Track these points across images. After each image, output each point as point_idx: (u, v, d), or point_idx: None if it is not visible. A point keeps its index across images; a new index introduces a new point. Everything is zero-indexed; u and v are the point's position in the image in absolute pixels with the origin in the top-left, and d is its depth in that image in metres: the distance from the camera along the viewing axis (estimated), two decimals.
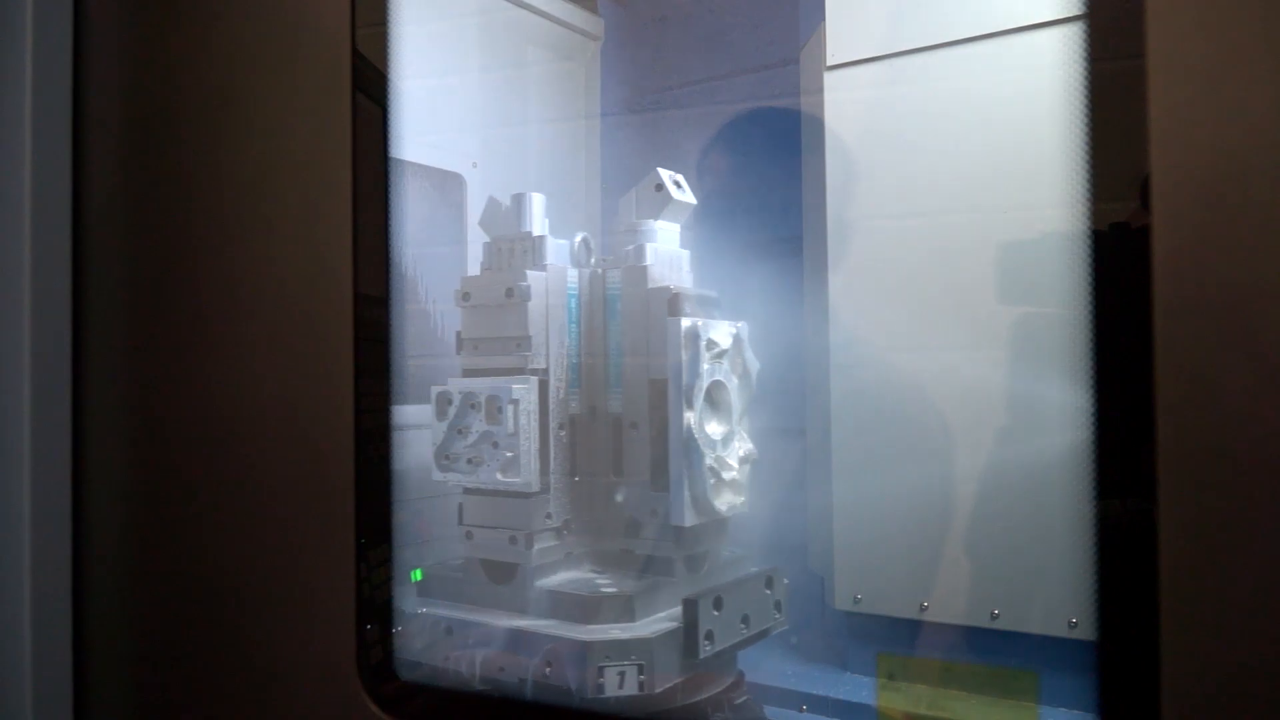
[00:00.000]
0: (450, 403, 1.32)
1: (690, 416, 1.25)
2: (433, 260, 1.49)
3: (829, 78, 1.37)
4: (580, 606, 1.24)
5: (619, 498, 1.34)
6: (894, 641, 1.28)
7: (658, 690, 1.16)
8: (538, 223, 1.38)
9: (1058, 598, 1.12)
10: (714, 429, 1.29)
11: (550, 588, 1.28)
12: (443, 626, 1.28)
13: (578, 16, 1.71)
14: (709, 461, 1.26)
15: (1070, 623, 1.07)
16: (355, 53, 1.10)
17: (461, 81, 1.57)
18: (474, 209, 1.59)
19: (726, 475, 1.28)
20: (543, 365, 1.33)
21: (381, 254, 1.11)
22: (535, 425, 1.30)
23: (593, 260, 1.41)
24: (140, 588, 1.23)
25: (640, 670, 1.16)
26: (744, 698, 1.24)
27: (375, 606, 1.10)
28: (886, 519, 1.29)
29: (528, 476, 1.29)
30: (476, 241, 1.57)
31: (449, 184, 1.58)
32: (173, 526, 1.22)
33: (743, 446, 1.32)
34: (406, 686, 1.13)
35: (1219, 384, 0.72)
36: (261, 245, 1.16)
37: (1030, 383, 1.17)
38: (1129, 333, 0.76)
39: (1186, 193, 0.73)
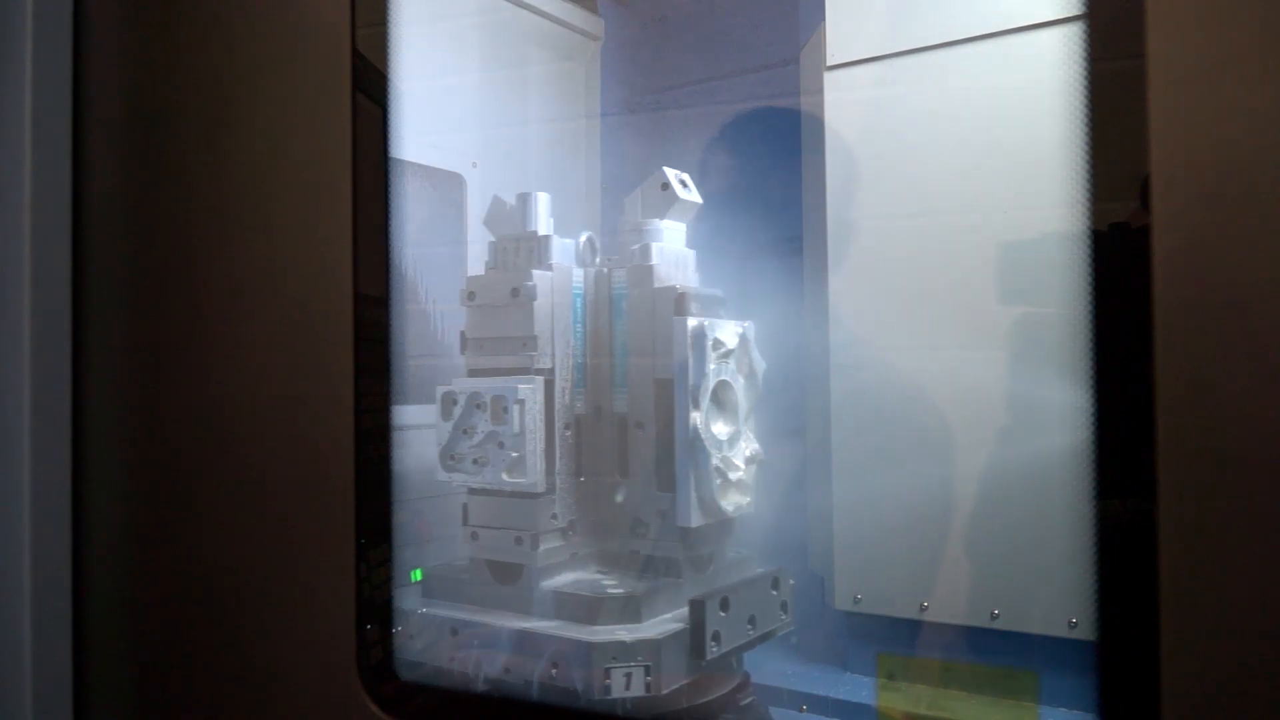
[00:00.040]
0: (455, 403, 1.32)
1: (696, 416, 1.24)
2: (433, 260, 1.49)
3: (829, 78, 1.37)
4: (586, 607, 1.23)
5: (619, 498, 1.34)
6: (894, 641, 1.28)
7: (664, 692, 1.15)
8: (543, 222, 1.37)
9: (1058, 598, 1.12)
10: (720, 429, 1.28)
11: (556, 589, 1.27)
12: (448, 627, 1.27)
13: (578, 16, 1.71)
14: (715, 462, 1.25)
15: (1070, 623, 1.07)
16: (355, 53, 1.10)
17: (461, 81, 1.57)
18: (474, 209, 1.59)
19: (733, 475, 1.28)
20: (548, 365, 1.32)
21: (381, 254, 1.11)
22: (541, 425, 1.30)
23: (598, 260, 1.40)
24: (140, 588, 1.23)
25: (647, 672, 1.15)
26: (750, 699, 1.24)
27: (375, 606, 1.10)
28: (886, 519, 1.29)
29: (533, 477, 1.28)
30: (476, 241, 1.57)
31: (449, 184, 1.58)
32: (173, 526, 1.22)
33: (749, 447, 1.32)
34: (406, 686, 1.13)
35: (1219, 384, 0.72)
36: (261, 245, 1.16)
37: (1030, 383, 1.17)
38: (1129, 333, 0.76)
39: (1186, 193, 0.73)
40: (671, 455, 1.27)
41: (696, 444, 1.24)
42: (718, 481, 1.26)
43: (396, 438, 1.13)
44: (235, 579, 1.17)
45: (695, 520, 1.25)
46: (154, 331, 1.23)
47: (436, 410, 1.33)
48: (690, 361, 1.25)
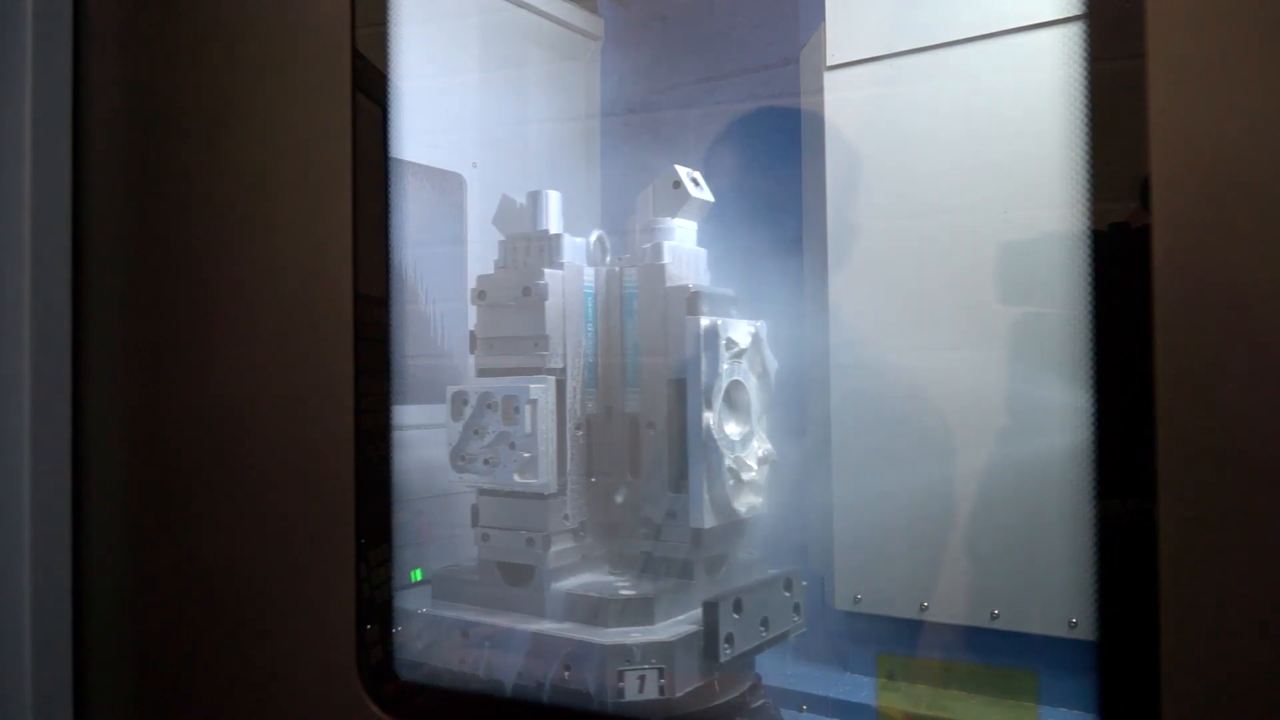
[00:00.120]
0: (466, 403, 1.30)
1: (709, 417, 1.23)
2: (433, 260, 1.49)
3: (829, 78, 1.37)
4: (599, 609, 1.22)
5: (620, 499, 1.33)
6: (894, 641, 1.28)
7: (678, 694, 1.15)
8: (554, 220, 1.36)
9: (1058, 598, 1.12)
10: (733, 429, 1.27)
11: (568, 590, 1.26)
12: (459, 629, 1.26)
13: (578, 16, 1.71)
14: (728, 462, 1.24)
15: (1070, 623, 1.07)
16: (355, 53, 1.10)
17: (462, 81, 1.57)
18: (474, 209, 1.59)
19: (746, 476, 1.27)
20: (560, 365, 1.31)
21: (381, 254, 1.11)
22: (552, 426, 1.29)
23: (608, 259, 1.39)
24: (140, 588, 1.23)
25: (660, 674, 1.14)
26: (761, 700, 1.23)
27: (375, 606, 1.10)
28: (886, 519, 1.29)
29: (545, 478, 1.27)
30: (477, 241, 1.57)
31: (449, 184, 1.57)
32: (173, 526, 1.22)
33: (761, 447, 1.31)
34: (406, 686, 1.12)
35: (1219, 384, 0.72)
36: (261, 245, 1.16)
37: (1030, 382, 1.17)
38: (1129, 333, 0.76)
39: (1186, 193, 0.73)
40: (683, 456, 1.26)
41: (709, 444, 1.23)
42: (730, 482, 1.24)
43: (399, 437, 1.13)
44: (235, 579, 1.17)
45: (708, 521, 1.23)
46: (154, 331, 1.23)
47: (446, 410, 1.32)
48: (703, 361, 1.24)
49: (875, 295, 1.33)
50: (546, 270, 1.32)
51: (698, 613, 1.20)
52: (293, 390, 1.13)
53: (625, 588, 1.27)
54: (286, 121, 1.14)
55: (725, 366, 1.25)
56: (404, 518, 1.16)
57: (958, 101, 1.27)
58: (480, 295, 1.36)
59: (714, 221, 1.39)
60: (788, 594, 1.29)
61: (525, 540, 1.28)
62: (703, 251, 1.38)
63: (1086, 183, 0.79)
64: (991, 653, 1.20)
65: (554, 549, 1.28)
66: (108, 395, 1.24)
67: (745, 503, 1.27)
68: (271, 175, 1.15)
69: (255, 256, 1.16)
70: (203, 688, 1.19)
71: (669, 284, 1.30)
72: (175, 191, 1.22)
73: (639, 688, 1.14)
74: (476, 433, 1.30)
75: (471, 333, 1.37)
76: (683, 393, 1.26)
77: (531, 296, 1.31)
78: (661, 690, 1.14)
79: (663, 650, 1.15)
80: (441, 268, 1.52)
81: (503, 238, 1.39)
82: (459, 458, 1.31)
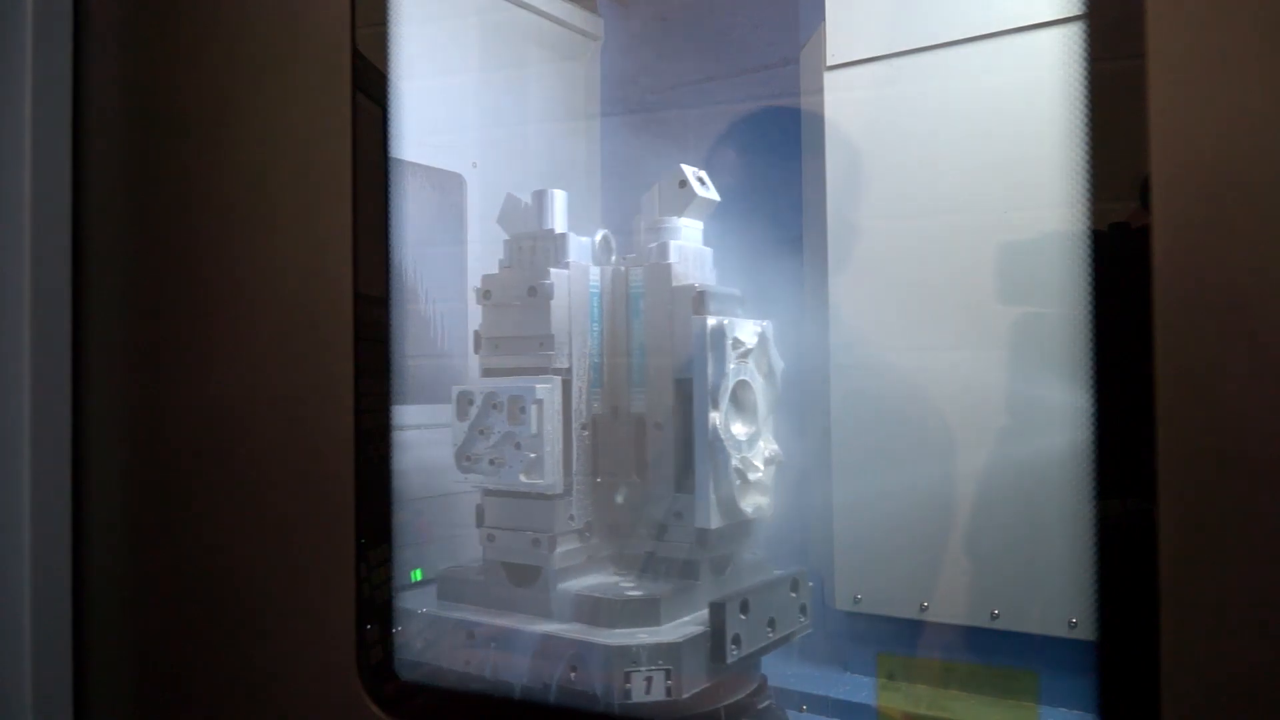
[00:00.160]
0: (472, 403, 1.30)
1: (716, 417, 1.22)
2: (433, 260, 1.49)
3: (829, 78, 1.37)
4: (606, 610, 1.21)
5: (626, 499, 1.32)
6: (894, 641, 1.28)
7: (685, 696, 1.14)
8: (560, 220, 1.35)
9: (1058, 598, 1.12)
10: (739, 429, 1.27)
11: (575, 591, 1.26)
12: (464, 630, 1.25)
13: (578, 16, 1.71)
14: (735, 463, 1.23)
15: (1070, 623, 1.07)
16: (355, 53, 1.10)
17: (462, 81, 1.57)
18: (474, 209, 1.59)
19: (752, 476, 1.26)
20: (565, 365, 1.30)
21: (381, 254, 1.11)
22: (559, 426, 1.28)
23: (613, 258, 1.38)
24: (140, 588, 1.23)
25: (667, 675, 1.13)
26: (767, 702, 1.22)
27: (375, 606, 1.10)
28: (886, 519, 1.29)
29: (551, 478, 1.26)
30: (477, 241, 1.57)
31: (449, 184, 1.57)
32: (173, 526, 1.22)
33: (768, 447, 1.30)
34: (406, 686, 1.12)
35: (1219, 384, 0.72)
36: (261, 245, 1.16)
37: (1030, 382, 1.17)
38: (1129, 333, 0.76)
39: (1186, 193, 0.73)
40: (689, 456, 1.25)
41: (716, 445, 1.22)
42: (737, 483, 1.24)
43: (399, 437, 1.12)
44: (235, 579, 1.17)
45: (715, 522, 1.23)
46: (154, 331, 1.23)
47: (451, 410, 1.31)
48: (709, 361, 1.23)
49: (875, 295, 1.33)
50: (552, 270, 1.31)
51: (704, 613, 1.19)
52: (293, 390, 1.13)
53: (631, 588, 1.26)
54: (286, 121, 1.14)
55: (732, 366, 1.25)
56: (404, 518, 1.17)
57: (958, 101, 1.27)
58: (485, 295, 1.35)
59: (714, 221, 1.39)
60: (794, 595, 1.28)
61: (531, 541, 1.28)
62: (708, 251, 1.37)
63: (1086, 183, 0.79)
64: (991, 653, 1.20)
65: (560, 549, 1.27)
66: (108, 395, 1.24)
67: (752, 503, 1.26)
68: (271, 175, 1.15)
69: (255, 256, 1.16)
70: (203, 688, 1.19)
71: (675, 283, 1.30)
72: (175, 191, 1.22)
73: (646, 689, 1.13)
74: (482, 433, 1.29)
75: (475, 332, 1.36)
76: (689, 393, 1.25)
77: (537, 296, 1.30)
78: (669, 691, 1.13)
79: (670, 651, 1.14)
80: (441, 268, 1.52)
81: (507, 237, 1.38)
82: (464, 458, 1.30)
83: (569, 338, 1.31)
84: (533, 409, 1.26)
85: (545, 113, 1.73)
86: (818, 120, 1.38)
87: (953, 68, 1.26)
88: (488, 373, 1.34)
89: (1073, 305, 0.80)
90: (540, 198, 1.35)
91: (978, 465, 1.23)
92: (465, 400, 1.31)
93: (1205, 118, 0.73)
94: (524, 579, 1.29)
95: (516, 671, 1.21)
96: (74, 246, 1.24)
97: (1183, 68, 0.73)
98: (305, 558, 1.12)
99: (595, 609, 1.22)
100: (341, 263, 1.10)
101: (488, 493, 1.32)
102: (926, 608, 1.25)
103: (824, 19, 1.37)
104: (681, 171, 1.34)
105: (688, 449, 1.26)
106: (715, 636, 1.16)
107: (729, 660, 1.16)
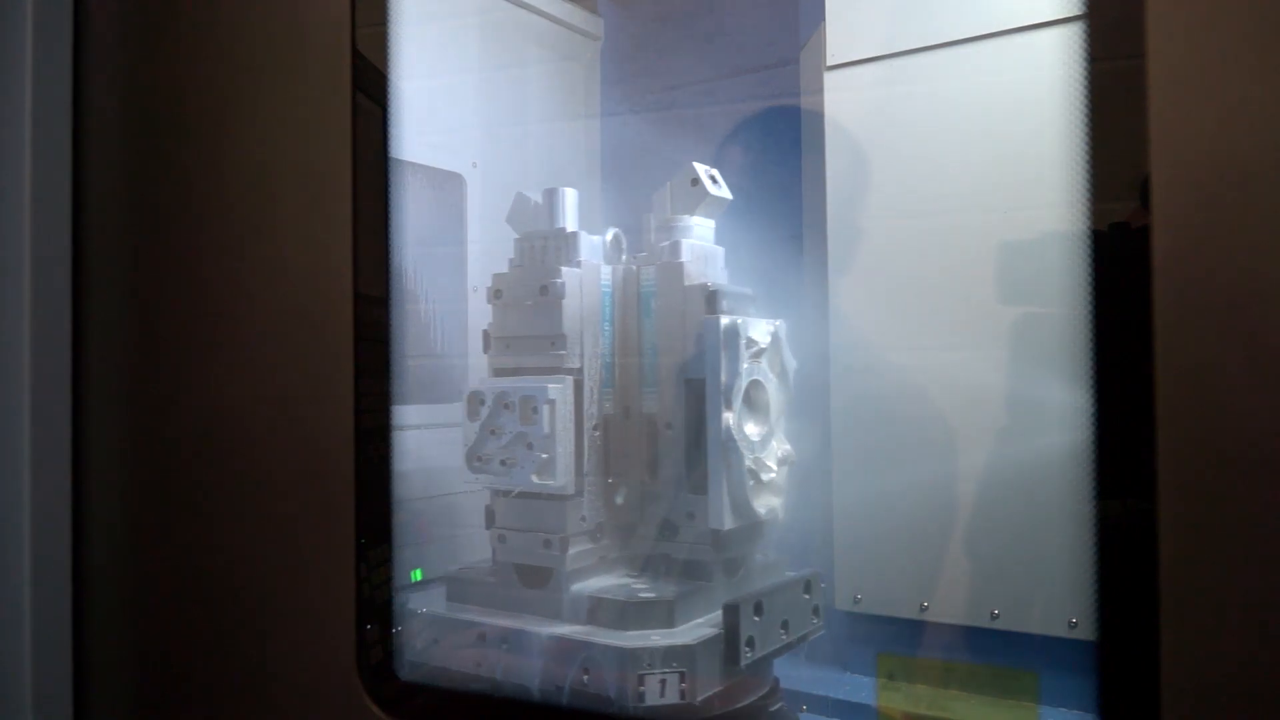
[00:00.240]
0: (483, 403, 1.28)
1: (729, 417, 1.21)
2: (434, 260, 1.49)
3: (829, 78, 1.37)
4: (620, 612, 1.20)
5: (636, 500, 1.32)
6: (894, 641, 1.28)
7: (699, 699, 1.13)
8: (571, 218, 1.34)
9: (1058, 598, 1.12)
10: (752, 430, 1.25)
11: (587, 593, 1.24)
12: (476, 632, 1.24)
13: (578, 16, 1.71)
14: (748, 463, 1.22)
15: (1070, 623, 1.07)
16: (355, 53, 1.10)
17: (462, 81, 1.57)
18: (474, 209, 1.59)
19: (765, 477, 1.25)
20: (577, 365, 1.29)
21: (381, 254, 1.11)
22: (570, 426, 1.27)
23: (624, 257, 1.37)
24: (140, 588, 1.23)
25: (681, 678, 1.12)
26: (779, 704, 1.21)
27: (375, 606, 1.10)
28: (886, 519, 1.29)
29: (563, 479, 1.25)
30: (477, 241, 1.57)
31: (449, 184, 1.57)
32: (173, 526, 1.22)
33: (780, 448, 1.29)
34: (406, 686, 1.12)
35: (1219, 384, 0.72)
36: (262, 245, 1.16)
37: (1030, 382, 1.17)
38: (1129, 333, 0.76)
39: (1186, 193, 0.73)
40: (702, 457, 1.24)
41: (729, 445, 1.21)
42: (750, 483, 1.23)
43: (400, 437, 1.12)
44: (235, 579, 1.17)
45: (727, 523, 1.22)
46: (154, 332, 1.23)
47: (462, 410, 1.30)
48: (722, 360, 1.22)
49: (876, 295, 1.33)
50: (564, 268, 1.29)
51: (717, 615, 1.18)
52: (293, 390, 1.13)
53: (644, 590, 1.25)
54: (286, 121, 1.14)
55: (745, 366, 1.23)
56: (404, 518, 1.16)
57: (958, 101, 1.27)
58: (496, 294, 1.33)
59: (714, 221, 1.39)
60: (807, 596, 1.27)
61: (543, 542, 1.26)
62: (720, 249, 1.36)
63: (1086, 182, 0.79)
64: (991, 653, 1.20)
65: (572, 551, 1.26)
66: (108, 395, 1.24)
67: (764, 504, 1.25)
68: (271, 175, 1.15)
69: (255, 256, 1.16)
70: (203, 688, 1.19)
71: (687, 282, 1.29)
72: (175, 191, 1.22)
73: (660, 692, 1.12)
74: (493, 433, 1.28)
75: (485, 332, 1.35)
76: (701, 393, 1.24)
77: (549, 295, 1.28)
78: (682, 694, 1.12)
79: (685, 653, 1.13)
80: (442, 267, 1.52)
81: (517, 236, 1.37)
82: (475, 458, 1.29)
83: (580, 337, 1.30)
84: (545, 409, 1.24)
85: (545, 113, 1.73)
86: (818, 120, 1.38)
87: (953, 68, 1.26)
88: (498, 372, 1.33)
89: (1072, 305, 0.80)
90: (551, 196, 1.34)
91: (978, 465, 1.23)
92: (476, 400, 1.29)
93: (1205, 118, 0.73)
94: (535, 580, 1.28)
95: (528, 673, 1.20)
96: (74, 246, 1.24)
97: (1183, 68, 0.74)
98: (305, 558, 1.12)
99: (608, 611, 1.21)
100: (341, 263, 1.10)
101: (498, 494, 1.30)
102: (926, 608, 1.25)
103: (824, 19, 1.37)
104: (694, 169, 1.32)
105: (700, 449, 1.24)
106: (729, 638, 1.15)
107: (743, 663, 1.14)
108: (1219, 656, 0.72)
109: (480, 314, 1.39)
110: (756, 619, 1.17)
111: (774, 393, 1.29)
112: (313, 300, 1.12)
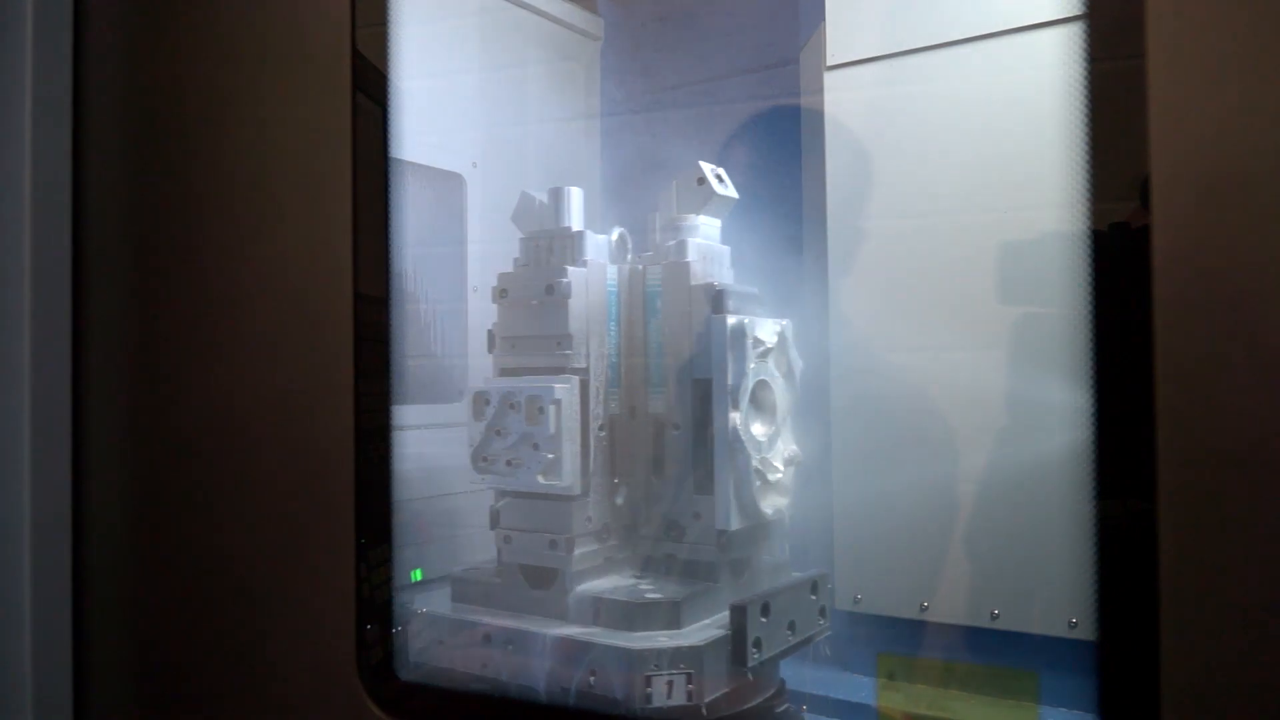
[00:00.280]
0: (488, 403, 1.28)
1: (736, 417, 1.20)
2: (434, 260, 1.49)
3: (829, 78, 1.37)
4: (626, 613, 1.19)
5: (639, 501, 1.31)
6: (894, 641, 1.28)
7: (706, 700, 1.12)
8: (576, 217, 1.33)
9: (1058, 598, 1.12)
10: (759, 430, 1.25)
11: (593, 594, 1.24)
12: (481, 632, 1.24)
13: (578, 16, 1.71)
14: (754, 463, 1.22)
15: (1070, 623, 1.07)
16: (355, 53, 1.10)
17: (462, 81, 1.57)
18: (474, 209, 1.59)
19: (772, 477, 1.24)
20: (583, 364, 1.28)
21: (381, 254, 1.11)
22: (577, 426, 1.26)
23: (629, 256, 1.37)
24: (140, 587, 1.23)
25: (689, 679, 1.11)
26: (785, 705, 1.21)
27: (375, 606, 1.10)
28: (886, 519, 1.29)
29: (569, 479, 1.24)
30: (477, 241, 1.57)
31: (449, 184, 1.57)
32: (173, 526, 1.22)
33: (787, 448, 1.28)
34: (406, 686, 1.12)
35: (1219, 384, 0.72)
36: (261, 245, 1.16)
37: (1030, 382, 1.17)
38: (1129, 333, 0.76)
39: (1186, 193, 0.73)
40: (707, 457, 1.23)
41: (735, 445, 1.20)
42: (757, 484, 1.22)
43: (400, 437, 1.12)
44: (235, 579, 1.17)
45: (734, 523, 1.21)
46: (154, 332, 1.23)
47: (467, 410, 1.30)
48: (729, 360, 1.21)
49: (876, 295, 1.33)
50: (570, 268, 1.29)
51: (724, 616, 1.18)
52: (293, 390, 1.13)
53: (650, 591, 1.24)
54: (286, 121, 1.15)
55: (752, 366, 1.23)
56: (404, 518, 1.16)
57: (958, 101, 1.27)
58: (502, 293, 1.33)
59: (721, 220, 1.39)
60: (814, 597, 1.26)
61: (548, 543, 1.26)
62: (726, 249, 1.35)
63: (1086, 182, 0.79)
64: (991, 653, 1.20)
65: (577, 551, 1.25)
66: (108, 395, 1.24)
67: (771, 504, 1.25)
68: (271, 175, 1.15)
69: (255, 256, 1.16)
70: (203, 688, 1.19)
71: (694, 281, 1.28)
72: (175, 191, 1.22)
73: (667, 693, 1.11)
74: (498, 433, 1.27)
75: (489, 331, 1.34)
76: (708, 392, 1.23)
77: (554, 294, 1.28)
78: (689, 696, 1.11)
79: (692, 655, 1.12)
80: (442, 268, 1.52)
81: (522, 235, 1.36)
82: (480, 459, 1.28)
83: (586, 337, 1.29)
84: (551, 409, 1.23)
85: (545, 112, 1.73)
86: (818, 120, 1.38)
87: (953, 68, 1.26)
88: (503, 372, 1.32)
89: (1072, 305, 0.80)
90: (557, 195, 1.33)
91: (978, 465, 1.23)
92: (481, 400, 1.28)
93: (1205, 118, 0.73)
94: (541, 581, 1.27)
95: (534, 675, 1.19)
96: (74, 246, 1.24)
97: (1183, 68, 0.74)
98: (305, 558, 1.12)
99: (615, 612, 1.20)
100: (341, 263, 1.10)
101: (503, 494, 1.30)
102: (927, 607, 1.25)
103: (824, 19, 1.37)
104: (700, 169, 1.32)
105: (707, 450, 1.24)
106: (736, 639, 1.14)
107: (750, 664, 1.14)
108: (1219, 656, 0.72)
109: (480, 314, 1.39)
110: (763, 620, 1.16)
111: (781, 392, 1.28)
112: (313, 300, 1.12)
